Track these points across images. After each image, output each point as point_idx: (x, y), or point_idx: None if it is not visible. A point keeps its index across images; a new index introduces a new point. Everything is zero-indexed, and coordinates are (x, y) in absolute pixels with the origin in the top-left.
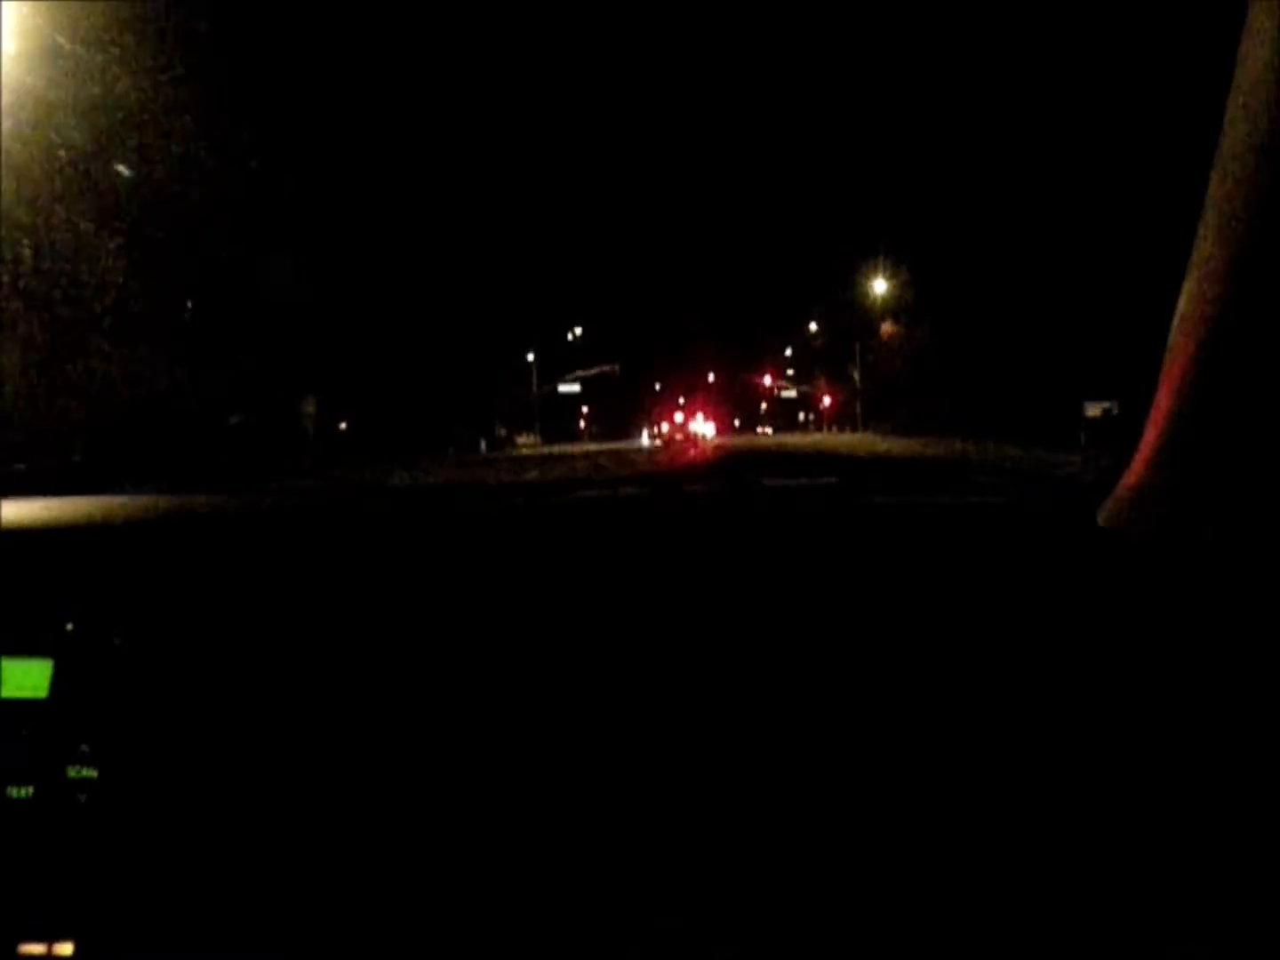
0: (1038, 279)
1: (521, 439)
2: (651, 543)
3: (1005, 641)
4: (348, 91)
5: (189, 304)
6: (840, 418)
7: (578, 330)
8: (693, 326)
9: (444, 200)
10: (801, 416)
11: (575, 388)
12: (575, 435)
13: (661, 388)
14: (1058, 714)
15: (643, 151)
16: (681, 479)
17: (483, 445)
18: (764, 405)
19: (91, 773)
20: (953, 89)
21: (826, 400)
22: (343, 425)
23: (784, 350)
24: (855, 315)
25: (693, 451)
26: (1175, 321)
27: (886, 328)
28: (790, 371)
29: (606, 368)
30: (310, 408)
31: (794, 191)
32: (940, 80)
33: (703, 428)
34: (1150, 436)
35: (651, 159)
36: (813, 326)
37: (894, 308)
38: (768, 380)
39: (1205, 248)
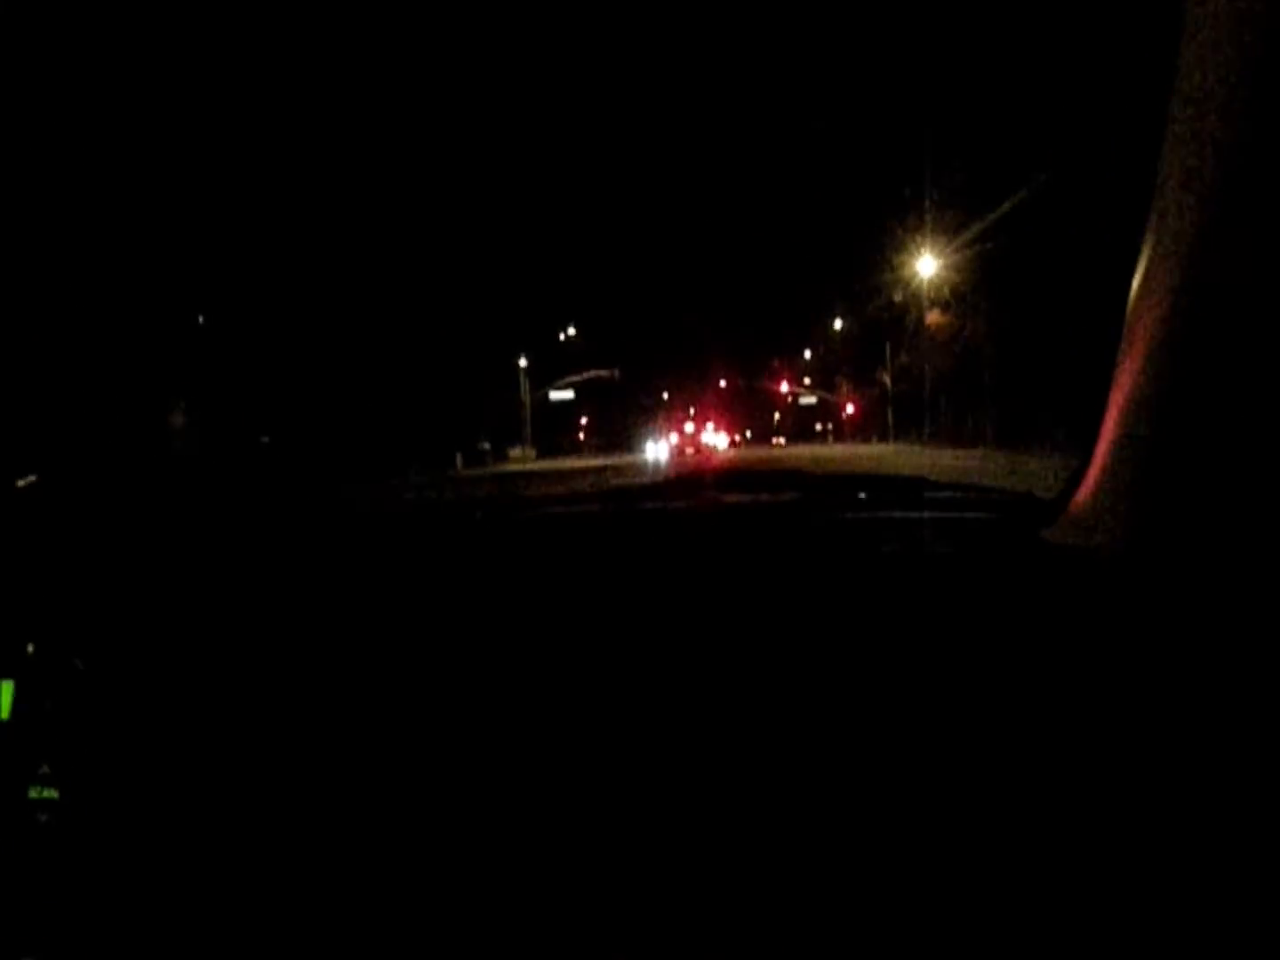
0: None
1: (514, 453)
2: (612, 558)
3: (943, 650)
4: (341, 83)
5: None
6: (864, 427)
7: (571, 330)
8: (700, 327)
9: (422, 185)
10: (819, 426)
11: (569, 394)
12: (573, 448)
13: (669, 395)
14: (998, 729)
15: (640, 131)
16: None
17: (459, 460)
18: (776, 415)
19: (52, 793)
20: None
21: (849, 408)
22: (265, 439)
23: (802, 353)
24: (890, 307)
25: (707, 468)
26: (1122, 341)
27: (934, 317)
28: (807, 380)
29: (605, 372)
30: (179, 420)
31: (814, 170)
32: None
33: (714, 439)
34: (1099, 454)
35: (649, 138)
36: (837, 324)
37: (944, 294)
38: (784, 386)
39: (1147, 269)
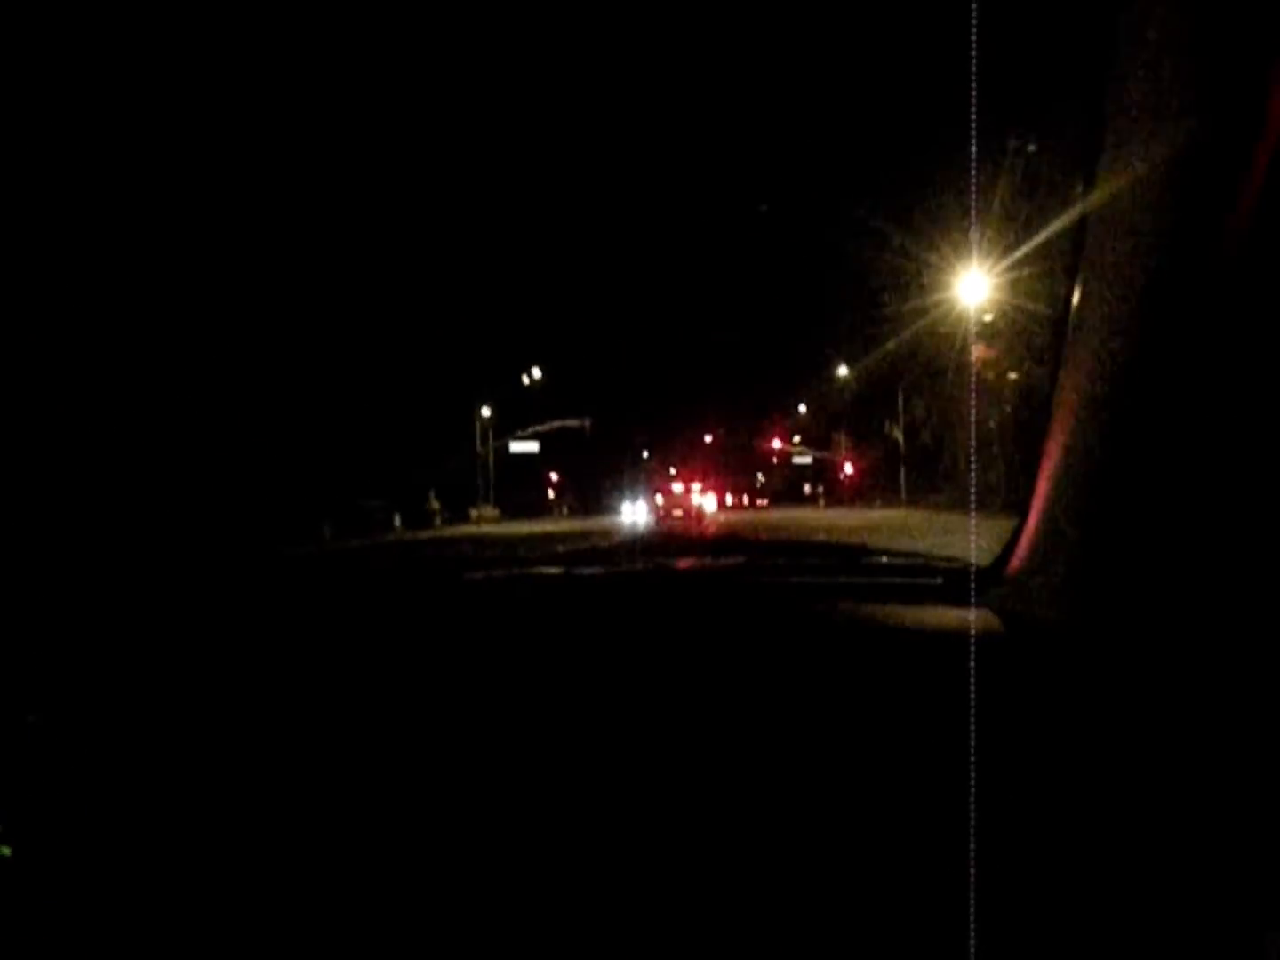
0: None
1: (474, 513)
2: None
3: (874, 711)
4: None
5: None
6: (863, 489)
7: (536, 373)
8: (683, 374)
9: (379, 213)
10: (808, 488)
11: (532, 447)
12: (541, 508)
13: (648, 451)
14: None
15: (614, 147)
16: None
17: (397, 521)
18: (760, 475)
19: (6, 850)
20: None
21: (848, 467)
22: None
23: (796, 407)
24: (915, 345)
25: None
26: (1053, 411)
27: (980, 351)
28: (796, 438)
29: (575, 422)
30: None
31: (812, 184)
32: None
33: (702, 500)
34: (1031, 520)
35: (624, 154)
36: (842, 370)
37: (995, 324)
38: (776, 443)
39: (1073, 337)
